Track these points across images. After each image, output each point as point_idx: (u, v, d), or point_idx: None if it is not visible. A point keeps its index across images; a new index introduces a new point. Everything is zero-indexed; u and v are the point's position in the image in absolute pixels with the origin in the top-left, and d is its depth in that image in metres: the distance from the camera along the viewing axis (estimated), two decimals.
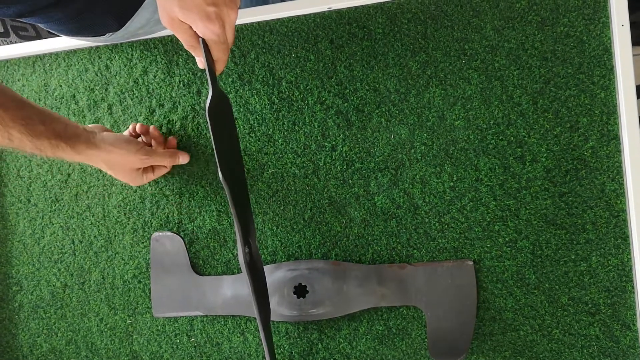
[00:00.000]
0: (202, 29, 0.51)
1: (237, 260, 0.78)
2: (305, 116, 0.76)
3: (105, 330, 0.82)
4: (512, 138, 0.71)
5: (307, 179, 0.76)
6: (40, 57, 0.86)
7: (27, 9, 0.61)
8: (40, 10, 0.62)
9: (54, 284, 0.84)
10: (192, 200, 0.80)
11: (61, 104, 0.85)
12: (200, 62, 0.56)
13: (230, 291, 0.77)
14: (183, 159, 0.75)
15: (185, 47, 0.55)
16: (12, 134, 0.59)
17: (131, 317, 0.81)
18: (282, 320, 0.75)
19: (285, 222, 0.77)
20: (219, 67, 0.57)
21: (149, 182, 0.81)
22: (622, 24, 0.67)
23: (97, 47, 0.83)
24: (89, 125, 0.67)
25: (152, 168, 0.75)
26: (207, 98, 0.57)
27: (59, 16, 0.65)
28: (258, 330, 0.77)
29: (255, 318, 0.76)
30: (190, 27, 0.51)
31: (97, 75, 0.83)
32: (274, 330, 0.77)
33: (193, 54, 0.56)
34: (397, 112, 0.74)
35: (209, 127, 0.58)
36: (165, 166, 0.76)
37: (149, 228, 0.81)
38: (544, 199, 0.70)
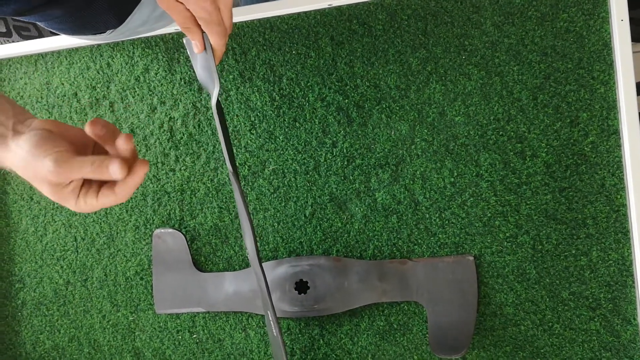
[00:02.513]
0: (193, 5, 0.51)
1: (239, 256, 0.78)
2: (306, 113, 0.77)
3: (108, 327, 0.82)
4: (512, 133, 0.71)
5: (308, 176, 0.76)
6: (42, 56, 0.86)
7: (26, 6, 0.61)
8: (40, 7, 0.62)
9: (56, 281, 0.85)
10: (194, 197, 0.80)
11: (63, 102, 0.85)
12: (196, 47, 0.56)
13: (232, 287, 0.77)
14: (115, 171, 0.43)
15: (180, 28, 0.54)
16: None
17: (133, 314, 0.82)
18: (284, 317, 0.75)
19: (287, 219, 0.77)
20: (217, 54, 0.56)
21: (150, 179, 0.81)
22: (621, 18, 0.67)
23: (99, 45, 0.84)
24: (38, 121, 0.48)
25: (96, 189, 0.47)
26: (213, 92, 0.57)
27: (58, 14, 0.65)
28: (259, 327, 0.77)
29: (256, 314, 0.77)
30: (186, 8, 0.52)
31: (98, 73, 0.84)
32: None
33: (189, 37, 0.56)
34: (398, 108, 0.74)
35: (217, 122, 0.58)
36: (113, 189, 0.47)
37: (150, 225, 0.81)
38: (545, 194, 0.70)
